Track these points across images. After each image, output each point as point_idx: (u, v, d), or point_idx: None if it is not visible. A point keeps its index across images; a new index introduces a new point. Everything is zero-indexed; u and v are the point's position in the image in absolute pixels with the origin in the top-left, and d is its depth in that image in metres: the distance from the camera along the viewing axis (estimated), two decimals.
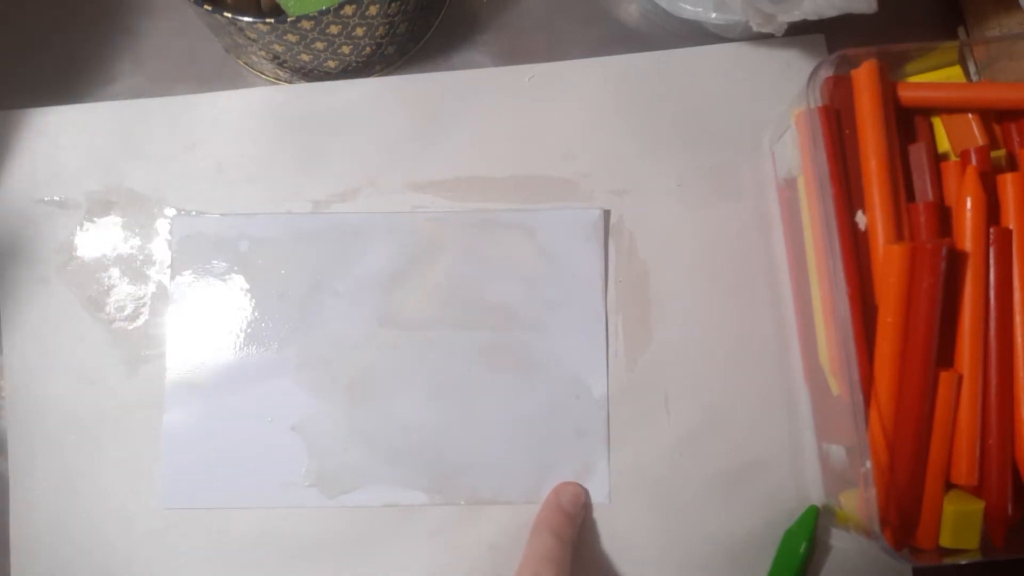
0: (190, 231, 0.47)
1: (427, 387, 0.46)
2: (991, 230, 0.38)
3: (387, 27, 0.45)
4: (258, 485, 0.45)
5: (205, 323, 0.47)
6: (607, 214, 0.47)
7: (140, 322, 0.47)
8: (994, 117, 0.42)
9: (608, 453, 0.45)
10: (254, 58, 0.48)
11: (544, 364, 0.46)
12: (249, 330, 0.46)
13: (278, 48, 0.45)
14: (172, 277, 0.47)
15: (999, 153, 0.41)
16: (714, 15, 0.45)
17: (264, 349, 0.46)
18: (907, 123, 0.41)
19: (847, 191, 0.39)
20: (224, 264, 0.47)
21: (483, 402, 0.45)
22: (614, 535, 0.45)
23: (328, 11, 0.41)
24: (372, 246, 0.47)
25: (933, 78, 0.43)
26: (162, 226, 0.48)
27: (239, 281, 0.47)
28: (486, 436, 0.45)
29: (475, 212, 0.47)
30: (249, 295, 0.47)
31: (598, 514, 0.45)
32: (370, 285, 0.46)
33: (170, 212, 0.48)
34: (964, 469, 0.37)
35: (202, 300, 0.47)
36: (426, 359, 0.46)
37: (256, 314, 0.46)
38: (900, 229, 0.38)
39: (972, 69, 0.45)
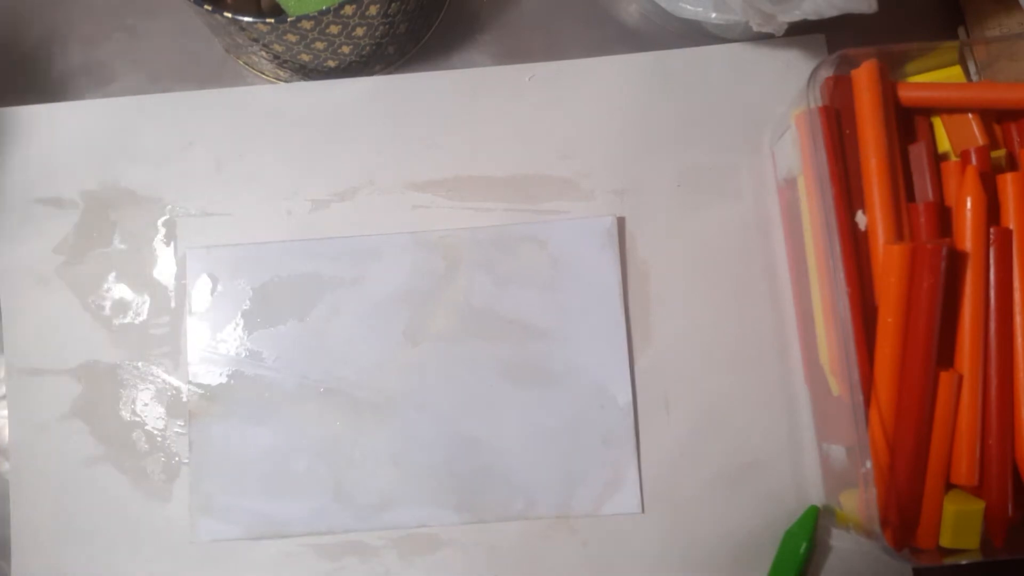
0: (205, 266, 0.47)
1: (451, 404, 0.46)
2: (991, 230, 0.38)
3: (387, 27, 0.45)
4: (288, 512, 0.45)
5: (226, 355, 0.46)
6: (621, 221, 0.47)
7: (140, 321, 0.47)
8: (994, 117, 0.42)
9: (638, 461, 0.45)
10: (254, 58, 0.48)
11: (567, 375, 0.46)
12: (271, 358, 0.46)
13: (278, 48, 0.45)
14: (189, 311, 0.47)
15: (999, 153, 0.41)
16: (714, 15, 0.45)
17: (287, 376, 0.46)
18: (907, 123, 0.41)
19: (847, 191, 0.39)
20: (241, 295, 0.47)
21: (508, 416, 0.45)
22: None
23: (328, 11, 0.41)
24: (387, 266, 0.47)
25: (933, 78, 0.43)
26: (161, 225, 0.48)
27: (258, 311, 0.46)
28: (513, 451, 0.45)
29: (487, 228, 0.47)
30: (269, 324, 0.46)
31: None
32: (389, 306, 0.46)
33: (169, 210, 0.48)
34: (964, 469, 0.37)
35: (221, 332, 0.46)
36: (449, 376, 0.46)
37: (277, 342, 0.46)
38: (900, 229, 0.38)
39: (972, 69, 0.45)
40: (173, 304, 0.47)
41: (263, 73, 0.50)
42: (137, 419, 0.46)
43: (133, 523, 0.45)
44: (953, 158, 0.41)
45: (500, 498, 0.45)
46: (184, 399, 0.46)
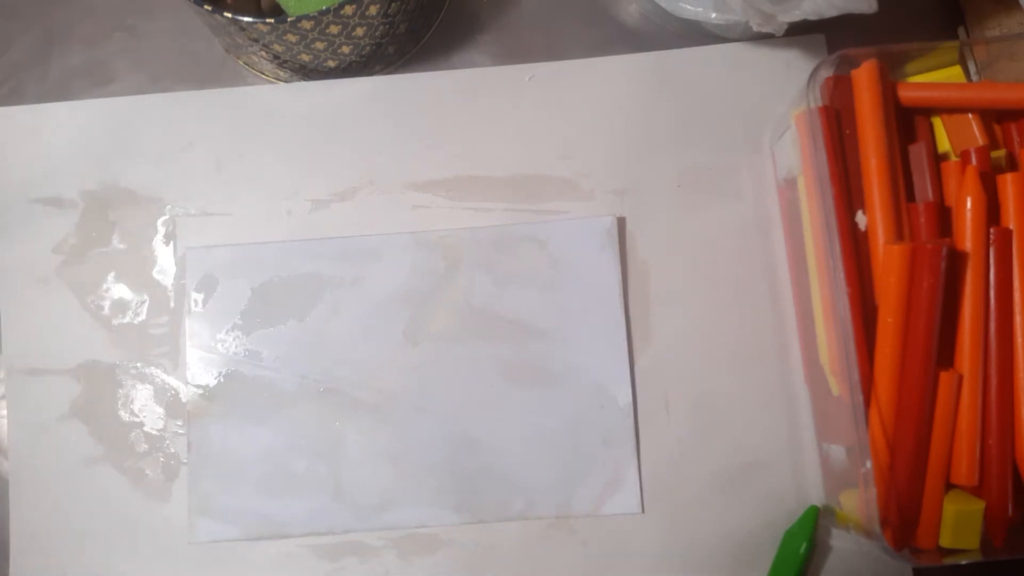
0: (204, 266, 0.47)
1: (451, 405, 0.45)
2: (991, 230, 0.38)
3: (387, 27, 0.45)
4: (287, 513, 0.45)
5: (225, 355, 0.46)
6: (621, 221, 0.47)
7: (139, 321, 0.47)
8: (994, 117, 0.42)
9: (638, 462, 0.45)
10: (254, 58, 0.48)
11: (567, 375, 0.46)
12: (271, 358, 0.46)
13: (278, 48, 0.45)
14: (189, 311, 0.47)
15: (999, 153, 0.41)
16: (714, 15, 0.45)
17: (287, 376, 0.46)
18: (907, 123, 0.41)
19: (847, 191, 0.39)
20: (240, 295, 0.47)
21: (508, 416, 0.45)
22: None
23: (328, 11, 0.41)
24: (387, 266, 0.47)
25: (933, 78, 0.43)
26: (160, 225, 0.48)
27: (257, 311, 0.46)
28: (513, 451, 0.45)
29: (487, 228, 0.47)
30: (268, 324, 0.46)
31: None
32: (389, 305, 0.46)
33: (168, 210, 0.48)
34: (964, 469, 0.37)
35: (220, 332, 0.46)
36: (449, 377, 0.46)
37: (277, 342, 0.46)
38: (900, 229, 0.38)
39: (972, 69, 0.45)
40: (172, 304, 0.47)
41: (263, 73, 0.50)
42: (136, 419, 0.46)
43: (132, 523, 0.45)
44: (953, 158, 0.41)
45: (500, 498, 0.45)
46: (183, 399, 0.46)
